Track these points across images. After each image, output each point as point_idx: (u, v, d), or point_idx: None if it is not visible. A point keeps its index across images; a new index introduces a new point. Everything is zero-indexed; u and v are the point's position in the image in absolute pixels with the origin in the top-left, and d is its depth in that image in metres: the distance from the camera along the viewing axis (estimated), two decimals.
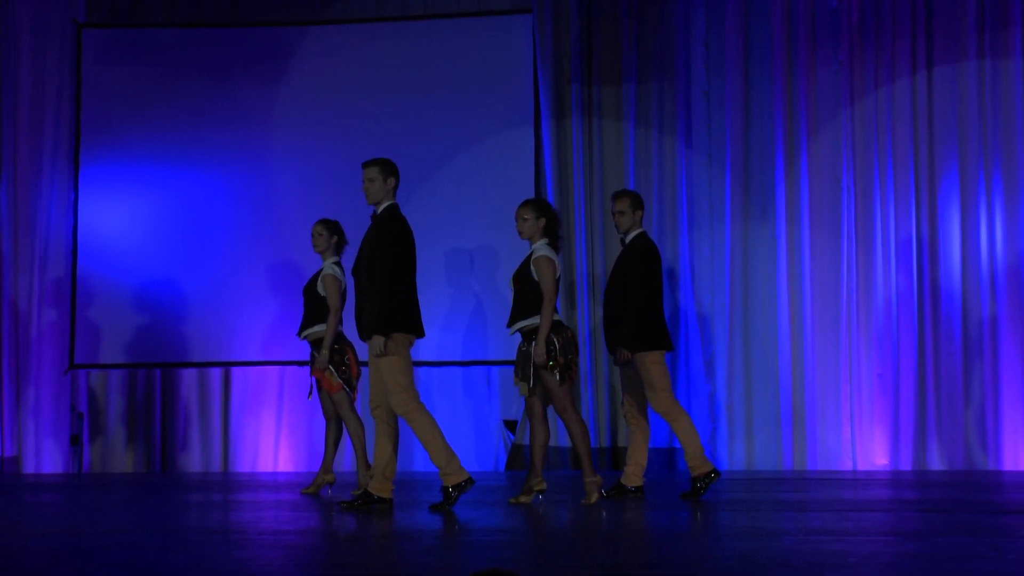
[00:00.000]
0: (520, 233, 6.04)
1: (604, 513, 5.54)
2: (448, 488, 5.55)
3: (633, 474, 6.28)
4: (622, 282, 6.31)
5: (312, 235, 6.93)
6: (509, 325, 6.02)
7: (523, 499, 5.92)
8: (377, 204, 5.73)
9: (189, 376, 9.21)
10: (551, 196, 8.99)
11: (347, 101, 9.14)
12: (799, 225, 8.70)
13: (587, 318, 8.90)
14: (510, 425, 8.91)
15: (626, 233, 6.39)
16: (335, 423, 6.84)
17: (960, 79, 8.60)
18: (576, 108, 9.03)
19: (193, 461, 9.19)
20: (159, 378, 9.21)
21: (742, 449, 8.63)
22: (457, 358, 8.83)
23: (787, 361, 8.61)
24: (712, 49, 8.88)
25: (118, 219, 9.16)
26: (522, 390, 5.97)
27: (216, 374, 9.22)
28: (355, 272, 5.67)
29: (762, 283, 8.75)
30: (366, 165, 5.78)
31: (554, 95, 9.07)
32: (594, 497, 5.88)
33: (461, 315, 8.89)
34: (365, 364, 6.18)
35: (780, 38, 8.78)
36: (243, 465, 9.15)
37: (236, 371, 9.19)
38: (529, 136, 8.99)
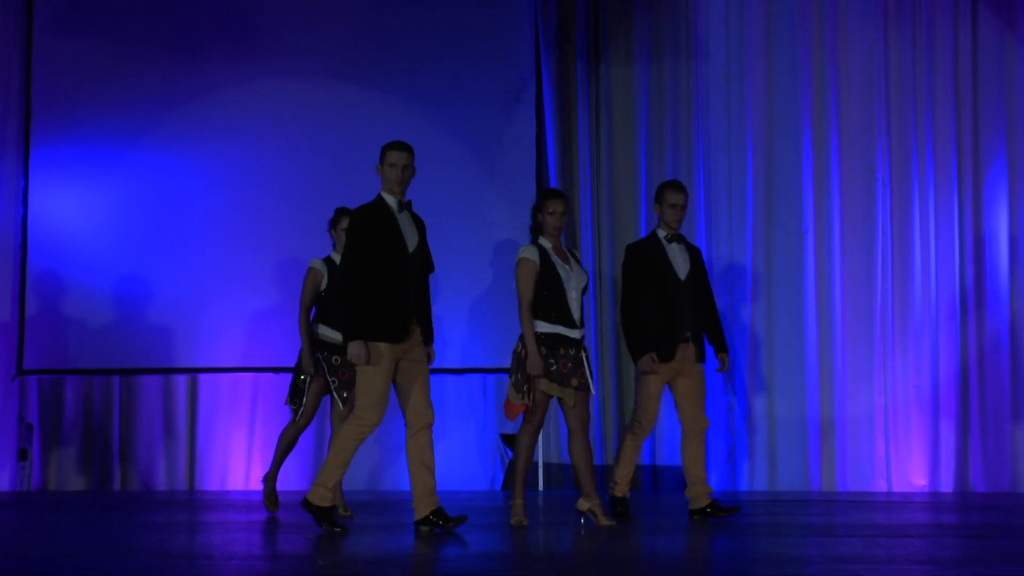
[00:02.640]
0: (560, 231, 6.04)
1: (609, 537, 5.53)
2: (313, 505, 5.66)
3: (703, 494, 6.40)
4: (706, 286, 6.48)
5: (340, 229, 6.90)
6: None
7: (604, 522, 5.98)
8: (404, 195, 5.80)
9: (152, 383, 9.20)
10: (553, 186, 8.97)
11: (331, 77, 9.13)
12: (828, 220, 8.69)
13: (593, 322, 8.91)
14: (508, 440, 8.91)
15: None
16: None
17: (1008, 56, 8.59)
18: (582, 90, 9.03)
19: (156, 478, 9.18)
20: (118, 386, 9.19)
21: (764, 467, 8.64)
22: (449, 365, 8.84)
23: (814, 370, 8.60)
24: (732, 26, 8.88)
25: (73, 209, 9.14)
26: (568, 401, 5.98)
27: (182, 381, 9.21)
28: (400, 274, 5.67)
29: (787, 284, 8.76)
30: (405, 148, 5.80)
31: (558, 76, 9.07)
32: (514, 520, 5.95)
33: (454, 318, 8.89)
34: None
35: (807, 13, 8.78)
36: (211, 483, 9.14)
37: (204, 378, 9.18)
38: (530, 123, 9.01)
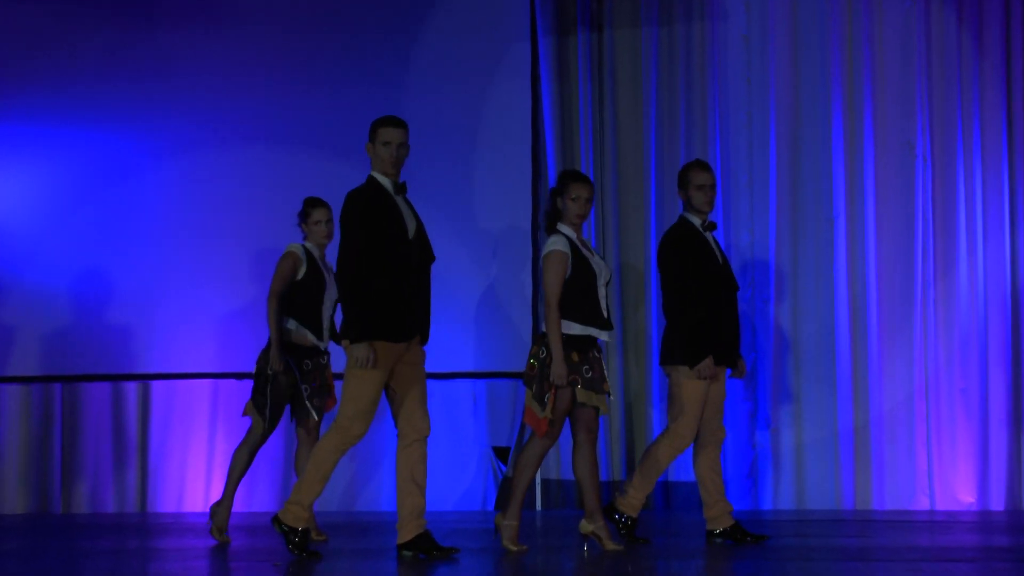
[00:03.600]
0: (583, 219, 6.04)
1: (617, 563, 5.50)
2: (285, 525, 5.66)
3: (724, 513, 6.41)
4: (733, 284, 6.50)
5: (324, 223, 6.91)
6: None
7: (610, 546, 5.95)
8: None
9: (98, 392, 9.17)
10: (551, 168, 9.00)
11: (305, 46, 9.10)
12: (862, 203, 8.68)
13: None
14: (501, 453, 8.88)
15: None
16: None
17: None
18: (583, 58, 9.02)
19: (103, 499, 9.15)
20: (59, 395, 9.16)
21: (790, 483, 8.64)
22: (435, 369, 8.73)
23: (847, 373, 8.60)
24: None
25: (9, 195, 9.11)
26: (604, 410, 6.01)
27: (132, 389, 9.17)
28: (405, 264, 5.68)
29: (815, 276, 8.75)
30: (400, 124, 5.80)
31: (556, 42, 9.05)
32: (505, 541, 5.95)
33: (440, 316, 8.83)
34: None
35: None
36: (166, 504, 9.12)
37: (158, 386, 9.14)
38: (524, 97, 8.99)
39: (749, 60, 8.88)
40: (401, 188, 5.76)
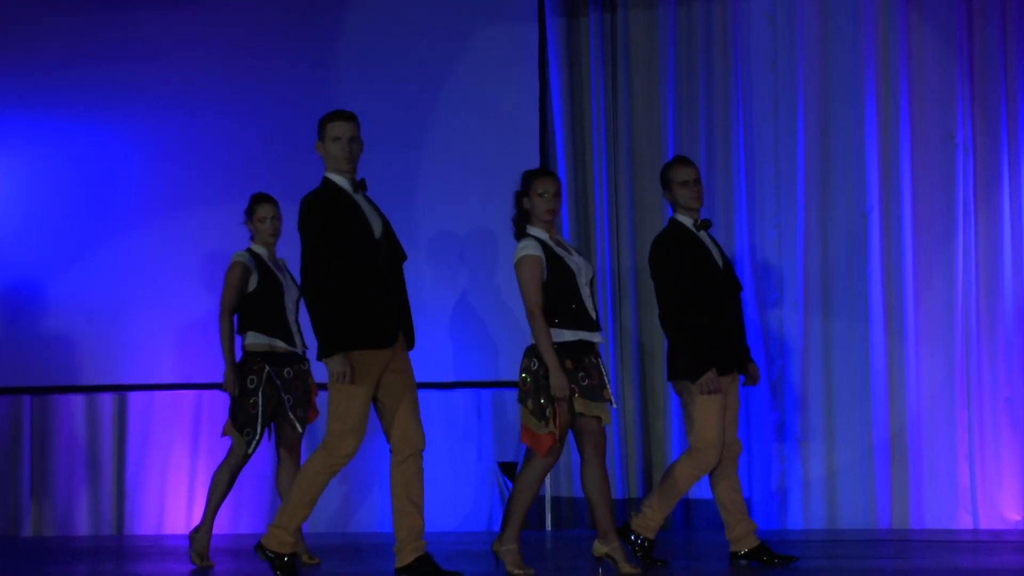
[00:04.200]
0: (554, 215, 6.08)
1: None
2: (270, 551, 5.69)
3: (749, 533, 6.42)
4: (735, 284, 6.53)
5: (269, 220, 6.97)
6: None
7: (626, 569, 5.98)
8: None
9: (71, 404, 9.18)
10: (561, 161, 9.01)
11: (293, 32, 9.11)
12: (898, 196, 8.67)
13: (611, 328, 8.85)
14: (507, 469, 8.86)
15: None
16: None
17: None
18: (595, 41, 9.03)
19: (76, 520, 9.16)
20: (28, 407, 9.18)
21: (821, 500, 8.63)
22: (435, 378, 8.79)
23: (881, 380, 8.59)
24: None
25: None
26: (606, 419, 6.03)
27: (107, 401, 9.18)
28: (373, 266, 5.68)
29: (847, 274, 8.74)
30: (350, 117, 5.80)
31: (566, 24, 9.05)
32: (509, 567, 5.98)
33: (440, 320, 8.84)
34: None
35: None
36: (144, 526, 9.12)
37: (135, 397, 9.15)
38: (532, 80, 8.98)
39: (775, 42, 8.86)
40: (360, 185, 5.77)
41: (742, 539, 6.34)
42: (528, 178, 6.07)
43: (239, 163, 8.95)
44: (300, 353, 6.89)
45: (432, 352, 8.78)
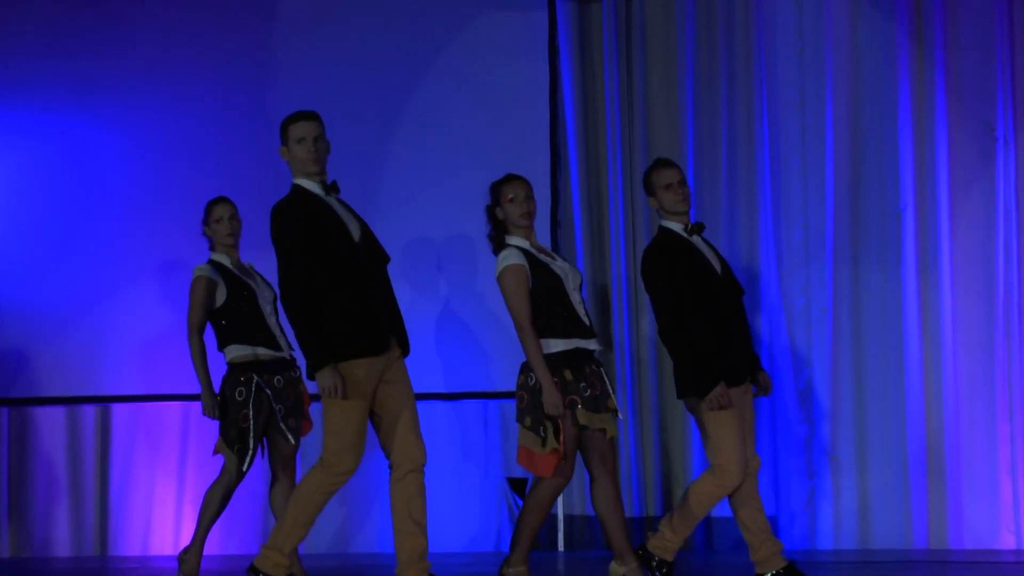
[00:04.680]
0: (529, 219, 6.11)
1: None
2: (263, 574, 5.70)
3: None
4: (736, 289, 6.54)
5: (226, 220, 6.97)
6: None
7: None
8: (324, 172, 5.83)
9: (51, 417, 9.19)
10: (573, 162, 9.03)
11: (296, 22, 9.13)
12: (933, 193, 8.66)
13: (627, 338, 8.83)
14: (516, 485, 8.85)
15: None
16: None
17: None
18: (609, 26, 9.03)
19: (57, 540, 9.16)
20: (5, 420, 9.20)
21: (852, 518, 8.61)
22: (439, 388, 8.80)
23: (917, 390, 8.58)
24: None
25: None
26: (611, 431, 6.06)
27: (89, 414, 9.16)
28: (356, 271, 5.69)
29: (880, 277, 8.73)
30: (311, 116, 5.82)
31: (577, 7, 9.08)
32: None
33: (446, 326, 8.82)
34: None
35: None
36: (129, 547, 9.13)
37: (119, 409, 9.15)
38: (542, 73, 8.99)
39: (800, 27, 8.85)
40: (332, 188, 5.79)
41: (768, 560, 6.31)
42: (495, 188, 6.15)
43: (229, 165, 8.96)
44: (288, 357, 6.87)
45: (435, 361, 8.79)
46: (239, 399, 6.71)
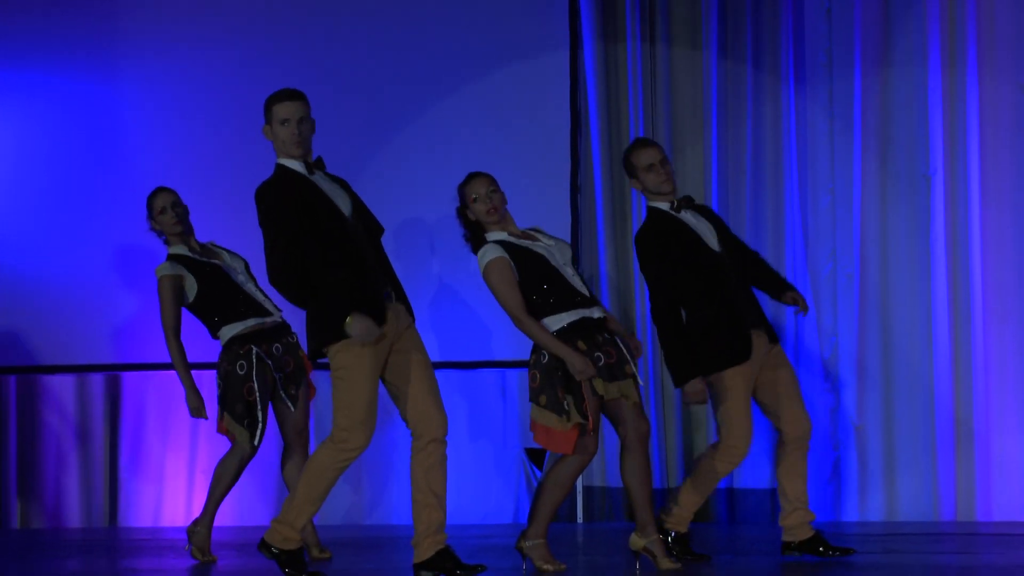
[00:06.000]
0: (497, 211, 6.11)
1: None
2: (275, 548, 5.72)
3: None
4: (740, 244, 6.59)
5: (170, 209, 6.90)
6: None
7: (665, 565, 6.02)
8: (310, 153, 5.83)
9: (60, 386, 9.22)
10: (593, 123, 9.03)
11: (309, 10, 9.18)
12: (964, 159, 8.64)
13: (648, 305, 8.82)
14: (535, 456, 8.89)
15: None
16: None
17: None
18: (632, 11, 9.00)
19: (67, 512, 9.20)
20: (14, 389, 9.23)
21: (879, 490, 8.64)
22: (456, 357, 8.82)
23: (945, 360, 8.58)
24: None
25: None
26: (634, 396, 6.03)
27: (98, 383, 9.21)
28: (348, 245, 5.70)
29: (908, 244, 8.74)
30: (296, 96, 5.78)
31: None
32: (538, 562, 6.02)
33: (461, 297, 8.86)
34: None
35: None
36: (140, 518, 9.18)
37: (129, 378, 9.18)
38: (563, 64, 9.00)
39: None
40: (316, 165, 5.77)
41: (795, 529, 6.34)
42: (459, 191, 6.12)
43: (237, 137, 8.95)
44: (280, 320, 6.86)
45: (452, 329, 8.80)
46: (241, 373, 6.70)
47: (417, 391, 5.70)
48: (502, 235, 6.06)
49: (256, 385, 6.70)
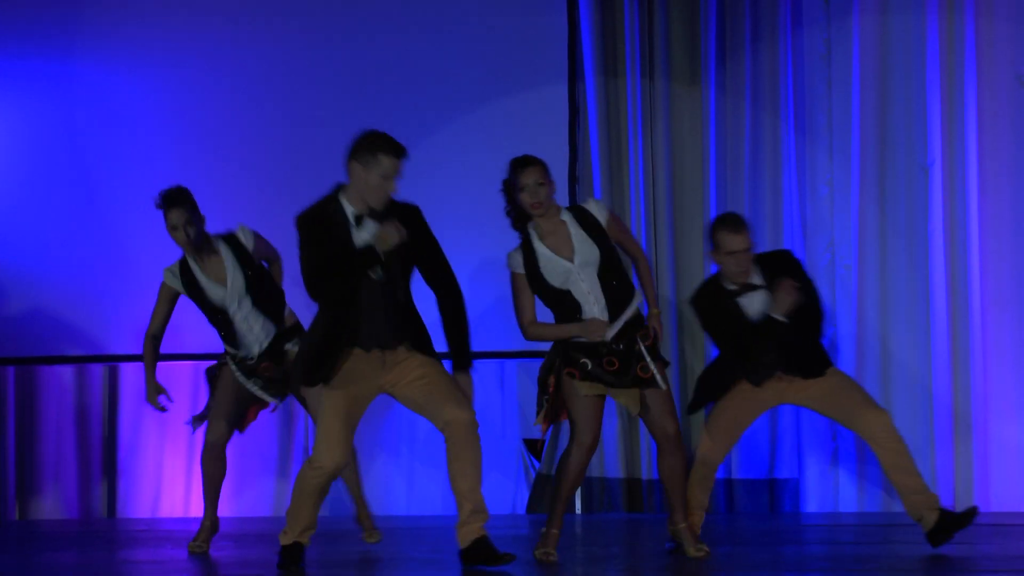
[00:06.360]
0: (540, 206, 6.04)
1: (675, 572, 5.52)
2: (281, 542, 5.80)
3: None
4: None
5: (181, 228, 6.72)
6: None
7: (693, 552, 6.07)
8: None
9: (58, 377, 9.23)
10: (592, 113, 9.02)
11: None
12: (962, 148, 8.65)
13: None
14: (533, 448, 8.89)
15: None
16: None
17: None
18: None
19: (65, 503, 9.22)
20: (12, 380, 9.24)
21: (877, 480, 8.65)
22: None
23: (944, 350, 8.60)
24: None
25: None
26: (632, 408, 6.07)
27: (97, 374, 9.23)
28: (359, 273, 5.63)
29: (907, 234, 8.75)
30: (403, 152, 5.61)
31: (600, 15, 9.03)
32: (539, 551, 6.12)
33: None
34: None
35: None
36: (139, 509, 9.19)
37: (127, 369, 9.19)
38: (561, 97, 9.03)
39: None
40: (360, 220, 5.64)
41: (924, 516, 6.28)
42: (511, 168, 6.08)
43: (246, 134, 9.01)
44: (264, 349, 6.84)
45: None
46: (214, 374, 6.96)
47: (435, 398, 5.76)
48: (537, 231, 6.04)
49: (219, 390, 6.86)
